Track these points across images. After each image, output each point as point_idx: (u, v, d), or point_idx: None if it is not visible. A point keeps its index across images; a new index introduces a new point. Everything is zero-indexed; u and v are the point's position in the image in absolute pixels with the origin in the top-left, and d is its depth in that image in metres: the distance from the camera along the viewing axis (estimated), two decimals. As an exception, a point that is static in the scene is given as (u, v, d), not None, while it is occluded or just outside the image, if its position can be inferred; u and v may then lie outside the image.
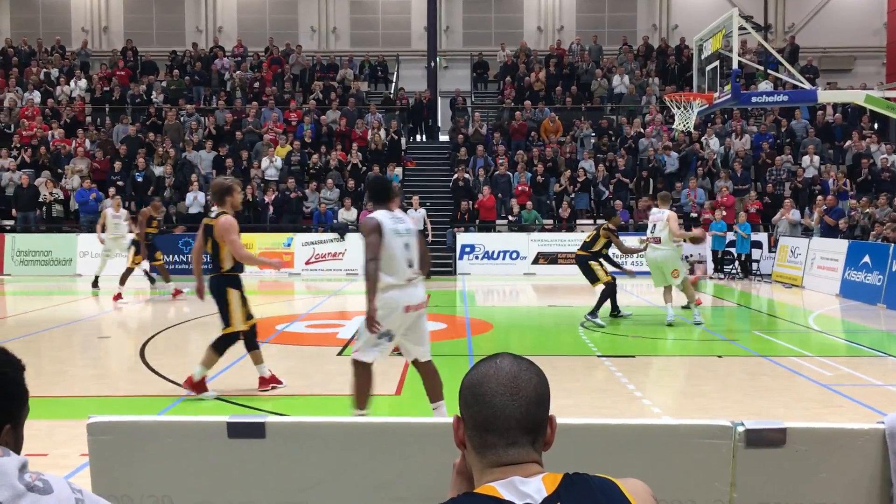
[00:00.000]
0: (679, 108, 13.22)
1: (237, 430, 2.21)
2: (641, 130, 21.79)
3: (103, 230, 15.31)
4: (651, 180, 20.35)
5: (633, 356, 8.80)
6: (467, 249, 19.24)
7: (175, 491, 2.22)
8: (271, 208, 19.86)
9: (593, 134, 22.07)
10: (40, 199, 19.61)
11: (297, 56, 25.28)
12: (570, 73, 24.58)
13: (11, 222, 19.75)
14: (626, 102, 23.55)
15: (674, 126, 14.79)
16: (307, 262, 19.02)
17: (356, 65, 25.61)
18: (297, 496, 2.28)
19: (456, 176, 20.67)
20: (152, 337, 9.90)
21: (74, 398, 6.71)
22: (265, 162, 20.69)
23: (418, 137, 24.47)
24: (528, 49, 25.69)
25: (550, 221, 20.16)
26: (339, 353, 8.94)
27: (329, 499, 2.30)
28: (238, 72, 24.39)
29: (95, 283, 15.22)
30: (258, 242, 19.11)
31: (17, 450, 1.52)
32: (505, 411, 1.50)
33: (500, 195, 20.18)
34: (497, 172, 20.64)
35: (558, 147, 21.46)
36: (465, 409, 1.56)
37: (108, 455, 2.18)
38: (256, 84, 24.12)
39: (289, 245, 19.01)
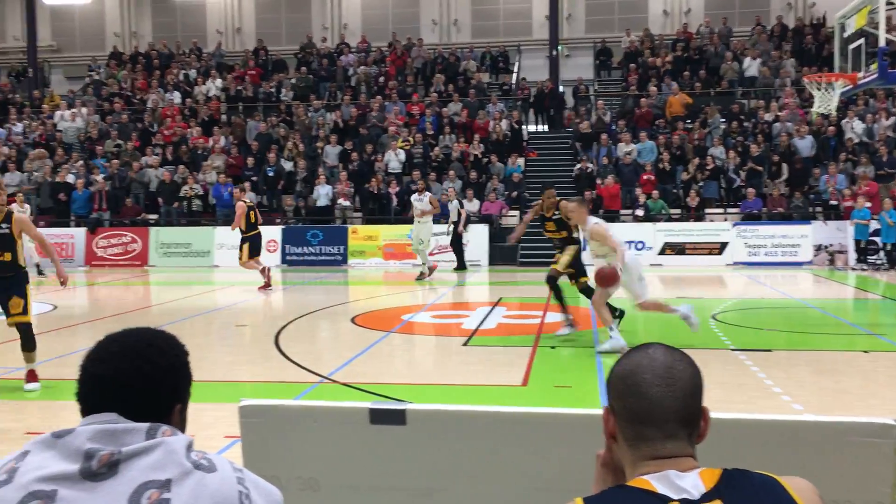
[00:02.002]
0: (819, 90, 12.52)
1: (379, 417, 2.25)
2: (779, 114, 20.80)
3: None
4: (785, 166, 19.41)
5: (770, 350, 8.43)
6: (590, 240, 18.95)
7: (320, 473, 2.29)
8: (395, 200, 20.21)
9: (723, 119, 21.26)
10: (181, 195, 20.71)
11: (419, 49, 25.59)
12: (699, 57, 23.76)
13: (156, 216, 20.96)
14: (759, 85, 22.55)
15: (813, 109, 14.03)
16: (430, 254, 19.21)
17: (477, 56, 25.67)
18: (437, 482, 2.30)
19: (579, 165, 20.39)
20: (286, 325, 10.26)
21: (216, 382, 7.05)
22: (388, 155, 21.08)
23: (540, 127, 24.29)
24: (652, 34, 25.02)
25: (678, 211, 19.58)
26: (465, 344, 9.00)
27: (469, 486, 2.30)
28: (362, 67, 24.92)
29: None
30: (383, 235, 19.52)
31: (183, 429, 1.60)
32: (663, 403, 1.46)
33: (624, 184, 19.77)
34: (621, 161, 20.23)
35: (686, 133, 20.80)
36: (616, 400, 1.52)
37: (258, 436, 2.26)
38: (380, 78, 24.58)
39: (411, 237, 19.27)
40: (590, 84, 24.97)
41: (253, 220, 14.44)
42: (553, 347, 8.68)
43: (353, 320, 10.75)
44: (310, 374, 7.37)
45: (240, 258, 14.59)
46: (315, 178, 20.57)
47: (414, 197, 17.07)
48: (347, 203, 20.15)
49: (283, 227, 19.96)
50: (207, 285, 16.36)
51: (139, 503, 1.38)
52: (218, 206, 20.36)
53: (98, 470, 1.41)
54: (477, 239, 19.17)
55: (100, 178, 21.03)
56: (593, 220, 8.69)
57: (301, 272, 18.10)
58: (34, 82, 27.07)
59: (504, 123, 21.83)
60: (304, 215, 20.55)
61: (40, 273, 17.64)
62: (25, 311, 6.88)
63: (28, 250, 17.35)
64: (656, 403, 1.46)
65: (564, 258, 9.21)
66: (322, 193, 20.12)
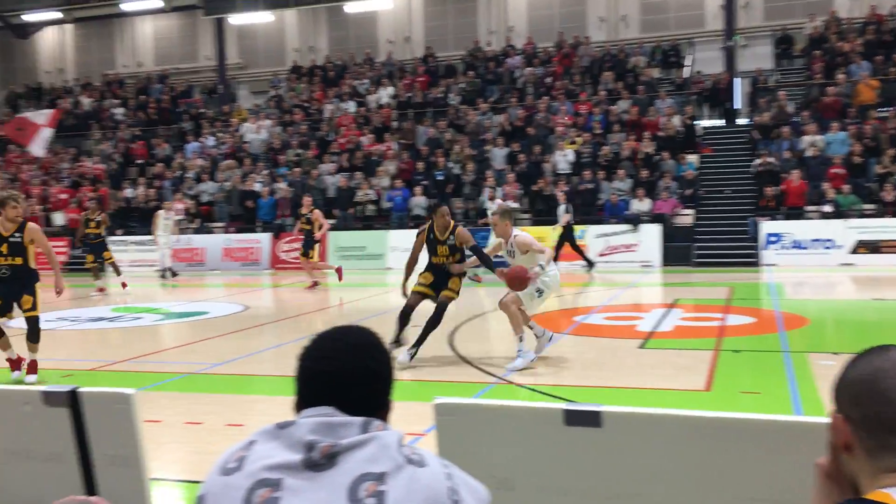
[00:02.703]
0: None
1: (574, 418, 2.21)
2: None
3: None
4: None
5: None
6: (773, 238, 17.94)
7: (514, 474, 2.27)
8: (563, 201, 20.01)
9: (922, 106, 19.50)
10: (356, 199, 21.54)
11: (587, 48, 25.25)
12: (893, 40, 21.92)
13: (333, 221, 21.91)
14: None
15: None
16: (600, 254, 18.93)
17: (647, 51, 24.99)
18: (633, 486, 2.23)
19: (758, 161, 19.36)
20: (458, 326, 10.40)
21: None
22: (557, 155, 20.93)
23: (714, 122, 23.29)
24: (838, 18, 23.36)
25: (872, 206, 18.14)
26: (641, 346, 8.75)
27: (666, 493, 2.21)
28: (529, 68, 24.91)
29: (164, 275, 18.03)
30: (552, 236, 19.38)
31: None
32: None
33: (810, 179, 18.56)
34: (807, 154, 19.01)
35: (879, 123, 19.24)
36: (856, 408, 1.39)
37: (453, 435, 2.28)
38: (547, 79, 24.48)
39: (581, 237, 19.04)
40: (769, 74, 23.66)
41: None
42: (737, 351, 8.26)
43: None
44: (485, 375, 7.42)
45: (311, 257, 16.08)
46: (483, 180, 20.76)
47: (488, 203, 17.31)
48: (515, 204, 20.18)
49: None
50: (381, 287, 16.89)
51: (357, 494, 1.43)
52: (392, 211, 21.03)
53: (319, 461, 1.47)
54: (649, 239, 18.67)
55: (283, 185, 22.26)
56: (516, 231, 8.03)
57: (473, 274, 18.29)
58: (224, 98, 29.10)
59: (676, 119, 21.11)
60: (473, 218, 20.79)
61: (174, 274, 18.99)
62: (34, 307, 7.66)
63: (163, 255, 18.94)
64: None
65: (457, 281, 8.31)
66: (493, 195, 20.26)
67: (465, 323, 10.81)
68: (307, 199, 16.67)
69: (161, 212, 18.75)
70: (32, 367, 7.71)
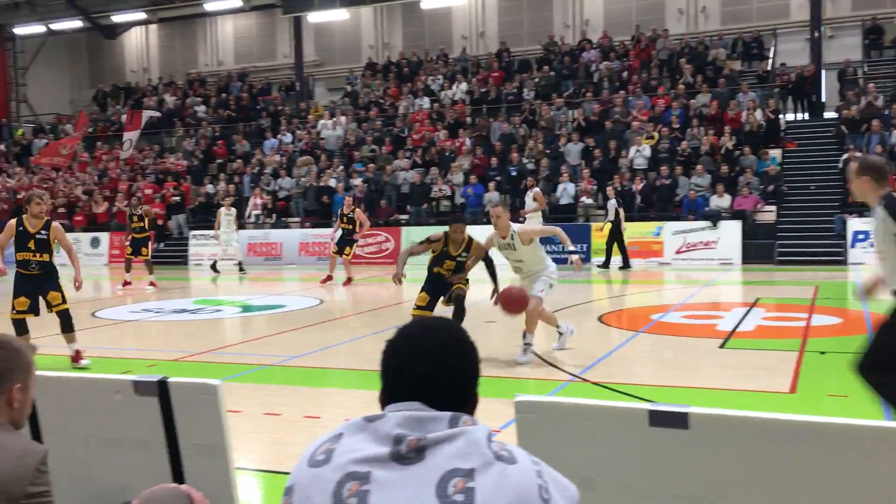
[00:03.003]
0: None
1: (659, 419, 2.15)
2: None
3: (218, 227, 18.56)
4: None
5: None
6: (860, 236, 17.27)
7: (596, 473, 2.23)
8: (639, 197, 19.71)
9: None
10: (430, 195, 21.64)
11: (665, 41, 24.76)
12: None
13: (406, 216, 22.06)
14: None
15: None
16: (677, 252, 18.56)
17: (727, 43, 24.36)
18: (720, 491, 2.16)
19: (846, 155, 18.66)
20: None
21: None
22: (633, 150, 20.59)
23: (799, 116, 22.56)
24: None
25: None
26: (721, 346, 8.53)
27: (752, 497, 2.14)
28: (605, 62, 24.58)
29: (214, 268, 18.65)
30: (627, 232, 19.09)
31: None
32: None
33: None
34: (897, 149, 18.24)
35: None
36: None
37: (533, 432, 2.25)
38: (623, 73, 24.11)
39: (658, 234, 18.71)
40: (858, 66, 22.78)
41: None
42: (822, 353, 7.98)
43: (599, 319, 10.61)
44: (560, 372, 7.35)
45: (347, 254, 16.18)
46: (558, 176, 20.58)
47: (528, 195, 17.39)
48: (590, 201, 19.96)
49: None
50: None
51: (446, 489, 1.42)
52: (467, 206, 21.05)
53: (407, 454, 1.47)
54: (729, 236, 18.20)
55: (357, 181, 22.52)
56: (516, 225, 7.69)
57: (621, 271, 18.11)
58: (301, 95, 29.61)
59: (758, 113, 20.52)
60: (547, 213, 20.64)
61: (241, 269, 19.32)
62: (64, 301, 8.08)
63: (235, 249, 19.37)
64: None
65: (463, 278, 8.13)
66: (563, 191, 20.08)
67: (539, 319, 10.72)
68: (348, 199, 16.81)
69: (223, 209, 19.27)
70: (77, 357, 8.10)
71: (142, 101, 30.63)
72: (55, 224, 8.11)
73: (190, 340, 10.14)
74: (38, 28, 32.19)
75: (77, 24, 31.84)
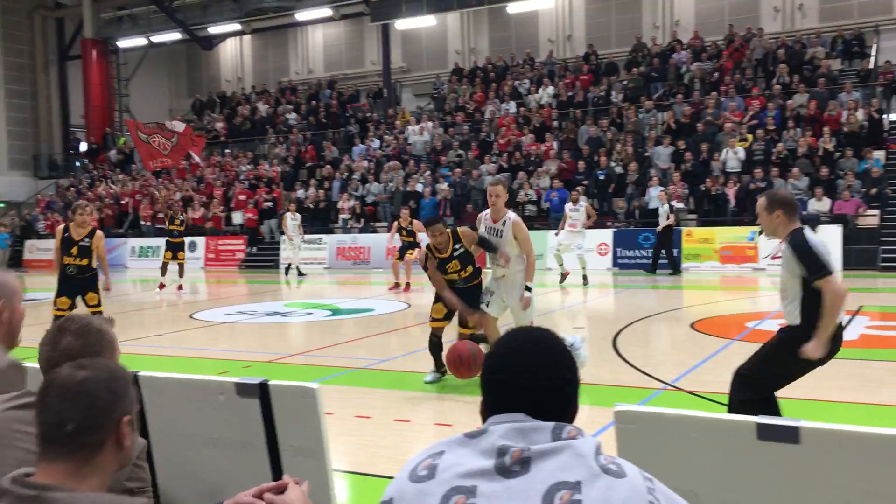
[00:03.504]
0: None
1: (768, 433, 2.07)
2: None
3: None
4: None
5: None
6: (972, 242, 16.35)
7: (700, 486, 2.16)
8: (733, 201, 19.16)
9: None
10: (517, 200, 21.55)
11: (759, 40, 24.01)
12: None
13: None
14: None
15: None
16: (773, 257, 17.93)
17: (826, 41, 23.45)
18: (832, 509, 2.06)
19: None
20: (622, 329, 10.16)
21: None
22: (726, 153, 20.04)
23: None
24: None
25: None
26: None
27: (868, 518, 2.03)
28: (696, 63, 24.01)
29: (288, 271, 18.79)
30: (719, 237, 18.61)
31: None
32: None
33: None
34: None
35: None
36: None
37: (634, 443, 2.19)
38: (715, 74, 23.50)
39: (752, 239, 18.14)
40: (969, 62, 21.58)
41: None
42: (933, 365, 7.57)
43: (692, 326, 10.35)
44: (651, 380, 7.19)
45: (410, 254, 15.85)
46: (647, 179, 20.21)
47: (568, 207, 16.34)
48: (681, 205, 19.51)
49: (614, 230, 19.90)
50: (541, 287, 16.77)
51: (552, 502, 1.39)
52: (552, 211, 20.88)
53: (511, 466, 1.45)
54: (829, 241, 17.45)
55: (444, 186, 22.63)
56: (512, 214, 6.95)
57: (632, 275, 17.88)
58: (388, 101, 29.99)
59: (860, 113, 19.67)
60: (637, 218, 20.31)
61: (301, 273, 19.65)
62: (99, 304, 8.82)
63: (293, 254, 19.73)
64: None
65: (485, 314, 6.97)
66: (654, 195, 19.69)
67: (631, 325, 10.55)
68: (405, 212, 16.37)
69: (288, 214, 19.87)
70: None
71: (236, 110, 31.61)
72: (99, 233, 8.88)
73: (282, 343, 10.37)
74: (139, 41, 33.61)
75: (176, 36, 33.10)
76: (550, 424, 1.51)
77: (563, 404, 1.57)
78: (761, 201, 4.71)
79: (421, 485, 1.50)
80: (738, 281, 16.78)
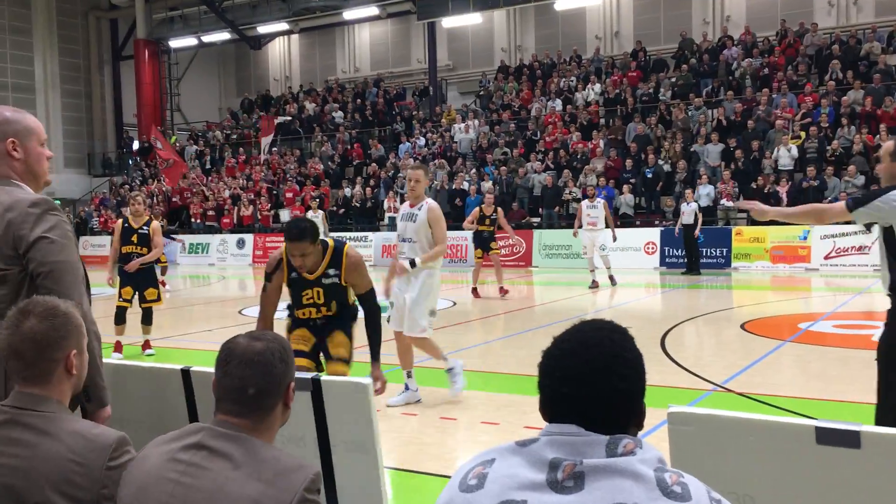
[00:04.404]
0: None
1: (827, 437, 2.02)
2: None
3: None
4: None
5: None
6: None
7: (757, 491, 2.12)
8: (785, 200, 18.78)
9: None
10: (562, 198, 21.43)
11: (813, 35, 23.50)
12: None
13: (538, 219, 21.94)
14: None
15: None
16: (826, 257, 17.58)
17: (882, 36, 22.85)
18: (894, 517, 2.01)
19: None
20: (670, 329, 10.04)
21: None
22: (778, 151, 19.67)
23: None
24: None
25: None
26: (877, 359, 7.97)
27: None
28: (747, 59, 23.60)
29: None
30: (770, 236, 18.27)
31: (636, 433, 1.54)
32: None
33: None
34: None
35: None
36: None
37: (688, 446, 2.16)
38: (765, 70, 23.07)
39: (805, 238, 17.78)
40: None
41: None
42: None
43: (742, 326, 10.17)
44: (701, 381, 7.09)
45: (494, 251, 14.58)
46: (697, 178, 19.92)
47: (585, 204, 15.40)
48: (731, 203, 19.20)
49: (661, 228, 19.67)
50: (586, 287, 16.66)
51: None
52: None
53: (564, 482, 1.39)
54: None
55: (489, 184, 22.60)
56: (431, 201, 6.52)
57: (678, 275, 17.65)
58: (434, 99, 30.03)
59: (918, 109, 19.14)
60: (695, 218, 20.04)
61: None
62: (159, 298, 9.25)
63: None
64: None
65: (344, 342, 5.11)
66: (703, 194, 19.41)
67: (679, 325, 10.41)
68: (489, 198, 15.05)
69: (309, 212, 19.94)
70: (147, 344, 9.14)
71: (284, 109, 31.96)
72: (155, 223, 9.24)
73: (329, 339, 10.44)
74: (190, 41, 34.17)
75: (225, 36, 33.58)
76: (605, 438, 1.42)
77: (617, 414, 1.48)
78: (888, 144, 4.02)
79: (470, 495, 1.44)
80: (790, 281, 16.46)
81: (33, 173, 2.70)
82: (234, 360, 1.91)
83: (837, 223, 17.65)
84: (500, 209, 14.80)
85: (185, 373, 2.81)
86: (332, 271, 4.88)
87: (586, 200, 15.63)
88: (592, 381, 1.47)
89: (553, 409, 1.51)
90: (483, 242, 14.64)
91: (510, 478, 1.42)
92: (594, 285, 15.28)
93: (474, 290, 14.47)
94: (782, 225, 18.27)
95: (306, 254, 4.68)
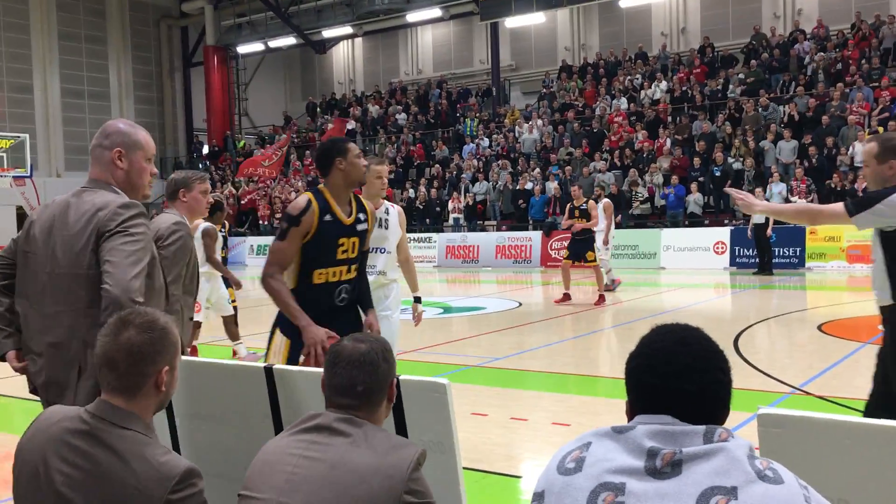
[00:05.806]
0: None
1: (928, 440, 1.94)
2: None
3: None
4: None
5: None
6: None
7: (851, 495, 2.05)
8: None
9: None
10: (628, 197, 21.14)
11: (889, 27, 22.69)
12: None
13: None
14: None
15: None
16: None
17: (966, 26, 21.95)
18: None
19: None
20: (743, 330, 9.81)
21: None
22: (854, 147, 19.03)
23: None
24: None
25: None
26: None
27: None
28: (820, 53, 22.92)
29: None
30: (846, 235, 17.71)
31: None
32: None
33: None
34: None
35: None
36: None
37: (779, 448, 2.10)
38: (839, 64, 22.37)
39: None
40: None
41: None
42: None
43: (819, 328, 9.88)
44: (778, 384, 6.90)
45: (592, 260, 13.25)
46: (768, 175, 19.44)
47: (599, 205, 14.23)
48: (804, 201, 18.65)
49: (731, 228, 19.26)
50: (654, 287, 16.42)
51: None
52: (667, 208, 20.41)
53: (662, 469, 1.42)
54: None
55: (554, 184, 22.45)
56: (393, 205, 5.57)
57: (749, 276, 17.24)
58: (497, 100, 29.97)
59: None
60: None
61: None
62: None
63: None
64: None
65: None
66: (775, 192, 18.90)
67: (752, 326, 10.17)
68: (576, 190, 13.74)
69: None
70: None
71: (348, 112, 32.32)
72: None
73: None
74: (257, 46, 34.84)
75: (291, 41, 34.11)
76: (702, 428, 1.47)
77: (712, 407, 1.52)
78: (871, 146, 3.80)
79: (568, 478, 1.49)
80: (868, 281, 15.87)
81: (133, 184, 2.83)
82: (341, 362, 2.11)
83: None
84: (591, 201, 13.60)
85: (269, 371, 2.85)
86: (362, 216, 4.26)
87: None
88: (693, 375, 1.52)
89: (648, 404, 1.54)
90: (577, 249, 13.34)
91: (608, 461, 1.46)
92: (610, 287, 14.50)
93: (566, 296, 13.30)
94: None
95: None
